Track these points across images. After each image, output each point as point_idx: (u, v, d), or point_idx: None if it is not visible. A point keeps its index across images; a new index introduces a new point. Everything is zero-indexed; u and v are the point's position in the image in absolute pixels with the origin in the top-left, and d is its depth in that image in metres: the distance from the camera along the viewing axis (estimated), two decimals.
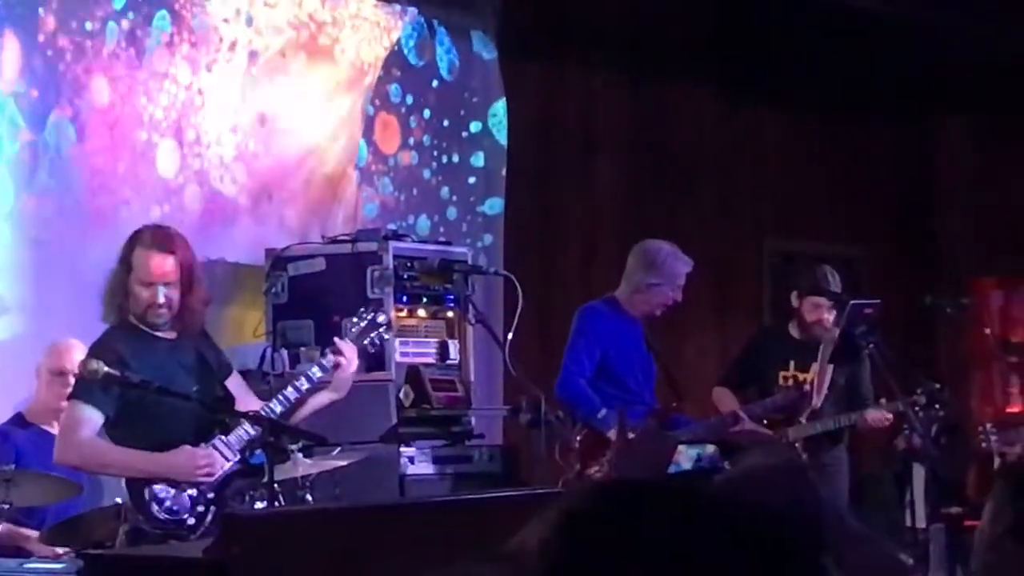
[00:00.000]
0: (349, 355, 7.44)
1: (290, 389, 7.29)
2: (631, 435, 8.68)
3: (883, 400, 9.34)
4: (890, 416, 9.25)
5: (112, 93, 9.10)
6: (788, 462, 4.20)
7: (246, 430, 7.06)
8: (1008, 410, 13.28)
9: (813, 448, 9.11)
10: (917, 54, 12.18)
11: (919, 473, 10.22)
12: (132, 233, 7.21)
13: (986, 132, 13.62)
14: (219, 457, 7.03)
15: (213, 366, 7.34)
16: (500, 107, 11.02)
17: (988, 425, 11.48)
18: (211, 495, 7.05)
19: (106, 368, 6.81)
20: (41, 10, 8.80)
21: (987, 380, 13.47)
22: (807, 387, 9.28)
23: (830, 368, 9.35)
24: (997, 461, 10.42)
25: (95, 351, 6.97)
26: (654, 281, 9.05)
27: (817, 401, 9.29)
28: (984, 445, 10.59)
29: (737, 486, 3.92)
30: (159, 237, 7.13)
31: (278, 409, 7.14)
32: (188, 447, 6.98)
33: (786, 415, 9.27)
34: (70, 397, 7.08)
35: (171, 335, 7.12)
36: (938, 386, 9.42)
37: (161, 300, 7.02)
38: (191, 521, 7.01)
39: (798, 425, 9.22)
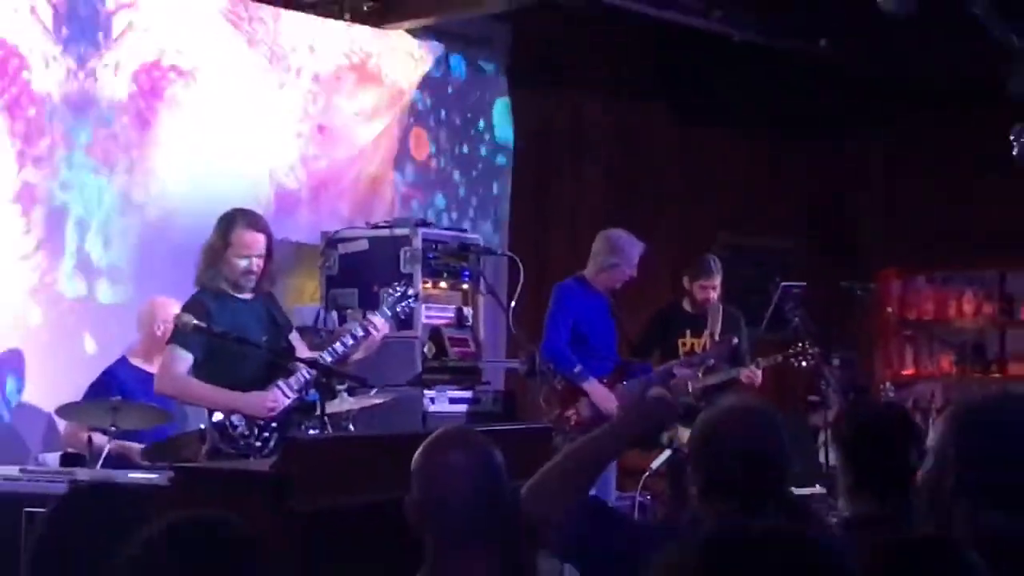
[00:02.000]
0: (380, 327, 7.53)
1: (338, 344, 7.36)
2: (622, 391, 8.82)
3: (759, 359, 9.35)
4: (758, 373, 9.26)
5: None
6: (761, 404, 4.19)
7: (303, 374, 7.10)
8: (903, 372, 13.34)
9: (708, 395, 9.02)
10: (834, 85, 12.19)
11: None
12: (228, 214, 7.23)
13: (892, 150, 13.63)
14: (281, 396, 7.07)
15: (280, 322, 7.40)
16: (502, 105, 11.04)
17: (887, 383, 11.55)
18: (274, 424, 7.11)
19: (195, 321, 6.90)
20: None
21: (887, 349, 13.50)
22: (733, 346, 9.29)
23: (718, 334, 9.33)
24: None
25: (188, 307, 7.05)
26: (614, 261, 9.07)
27: (710, 360, 9.30)
28: (883, 398, 10.63)
29: (722, 420, 3.91)
30: (253, 218, 7.22)
31: (328, 358, 7.22)
32: (258, 392, 7.04)
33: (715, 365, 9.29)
34: (168, 342, 7.13)
35: (247, 296, 7.19)
36: (806, 342, 9.43)
37: (254, 268, 7.12)
38: (258, 444, 7.05)
39: (696, 378, 9.22)
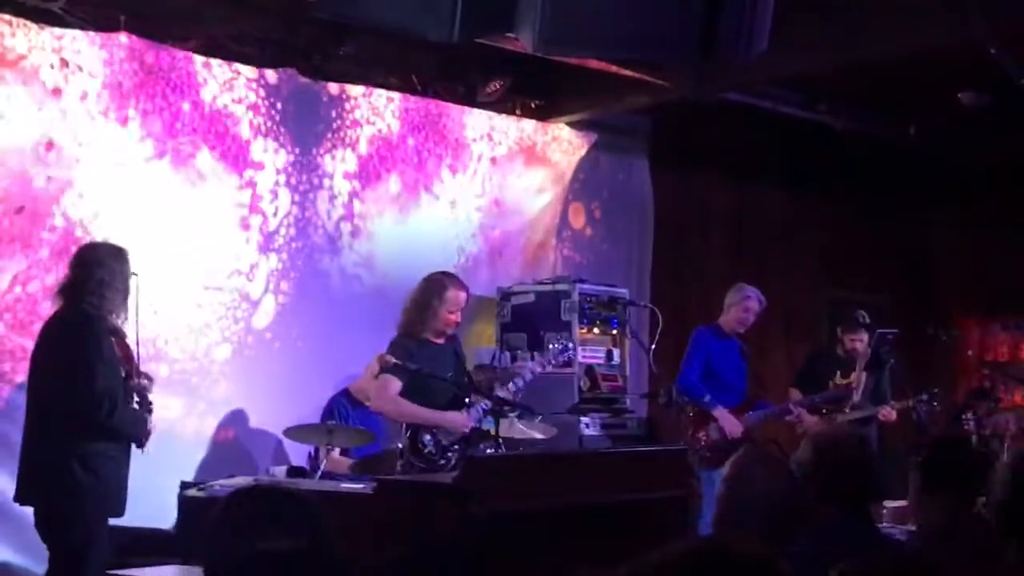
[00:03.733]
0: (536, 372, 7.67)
1: (511, 384, 7.43)
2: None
3: (893, 402, 9.25)
4: (894, 412, 9.17)
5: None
6: (767, 455, 4.30)
7: (482, 405, 7.15)
8: None
9: (854, 428, 9.00)
10: (921, 163, 12.02)
11: None
12: (438, 277, 7.37)
13: (969, 218, 13.38)
14: (472, 419, 7.16)
15: (462, 361, 7.46)
16: (644, 183, 11.03)
17: (968, 414, 11.26)
18: (456, 445, 7.14)
19: (394, 360, 6.99)
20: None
21: (968, 386, 13.24)
22: (847, 392, 9.24)
23: (864, 376, 9.28)
24: (974, 439, 10.22)
25: (393, 349, 7.16)
26: (732, 302, 9.12)
27: (856, 398, 9.22)
28: (965, 428, 10.38)
29: (738, 472, 3.93)
30: (460, 282, 7.34)
31: (512, 390, 7.38)
32: (458, 412, 7.12)
33: (834, 405, 9.21)
34: (380, 372, 7.20)
35: (439, 341, 7.26)
36: (935, 390, 9.34)
37: (457, 320, 7.23)
38: (442, 461, 7.10)
39: (844, 414, 9.14)
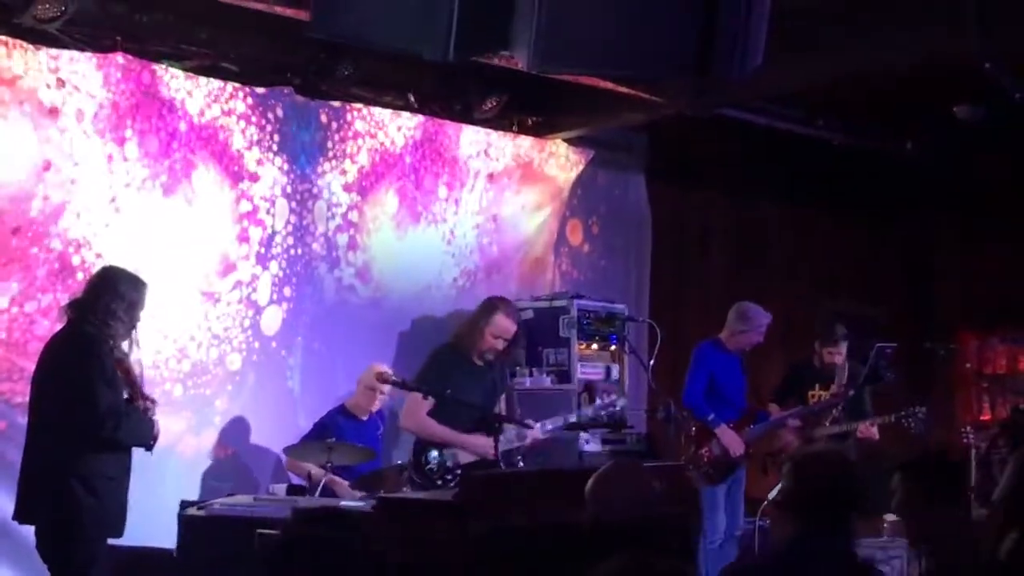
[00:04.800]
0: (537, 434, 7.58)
1: (543, 423, 7.50)
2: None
3: (875, 417, 9.08)
4: (875, 429, 9.04)
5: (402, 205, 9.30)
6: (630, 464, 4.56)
7: (508, 438, 7.20)
8: (981, 418, 13.05)
9: (831, 442, 8.94)
10: (918, 177, 12.04)
11: None
12: (495, 300, 7.55)
13: (967, 231, 13.38)
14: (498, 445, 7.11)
15: (499, 389, 7.48)
16: (641, 199, 11.03)
17: (968, 427, 11.26)
18: (459, 466, 7.15)
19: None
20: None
21: (967, 398, 13.25)
22: (837, 402, 9.15)
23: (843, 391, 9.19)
24: (972, 451, 10.22)
25: (431, 359, 7.36)
26: (744, 328, 9.01)
27: (835, 412, 9.15)
28: (964, 441, 10.38)
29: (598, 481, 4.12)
30: (513, 310, 7.40)
31: (540, 431, 7.52)
32: (484, 436, 7.11)
33: (818, 417, 9.11)
34: (412, 389, 7.21)
35: (480, 363, 7.30)
36: (927, 402, 9.26)
37: (500, 348, 7.27)
38: (440, 482, 7.12)
39: (822, 427, 9.06)
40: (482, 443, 7.10)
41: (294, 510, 6.27)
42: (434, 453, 7.12)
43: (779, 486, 7.28)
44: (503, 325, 7.27)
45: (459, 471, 7.11)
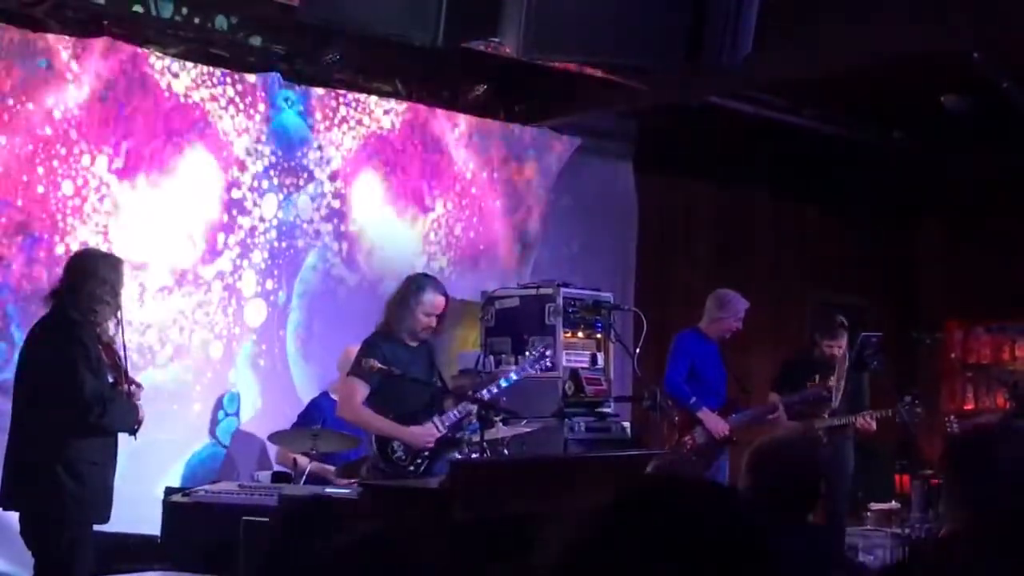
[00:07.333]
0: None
1: (494, 386, 7.36)
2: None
3: (872, 410, 9.17)
4: (873, 423, 9.11)
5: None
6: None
7: (455, 412, 7.11)
8: (965, 407, 13.11)
9: (831, 434, 9.00)
10: (904, 166, 12.07)
11: None
12: (419, 277, 7.31)
13: (952, 221, 13.43)
14: (435, 430, 7.04)
15: (436, 365, 7.40)
16: (628, 188, 11.01)
17: (952, 417, 11.29)
18: (426, 452, 7.06)
19: (378, 364, 6.91)
20: None
21: (952, 388, 13.30)
22: (826, 393, 9.18)
23: (842, 383, 9.23)
24: None
25: (366, 350, 7.04)
26: (722, 315, 9.03)
27: (835, 404, 9.18)
28: (948, 430, 10.41)
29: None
30: (440, 286, 7.23)
31: (486, 396, 7.23)
32: (419, 427, 7.00)
33: (811, 408, 9.15)
34: (348, 374, 7.12)
35: (413, 343, 7.19)
36: (916, 392, 9.32)
37: (433, 324, 7.13)
38: (411, 468, 7.04)
39: (821, 419, 9.10)
40: (420, 435, 7.02)
41: (281, 497, 6.31)
42: (398, 442, 7.04)
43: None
44: (433, 301, 7.11)
45: (427, 453, 7.04)
